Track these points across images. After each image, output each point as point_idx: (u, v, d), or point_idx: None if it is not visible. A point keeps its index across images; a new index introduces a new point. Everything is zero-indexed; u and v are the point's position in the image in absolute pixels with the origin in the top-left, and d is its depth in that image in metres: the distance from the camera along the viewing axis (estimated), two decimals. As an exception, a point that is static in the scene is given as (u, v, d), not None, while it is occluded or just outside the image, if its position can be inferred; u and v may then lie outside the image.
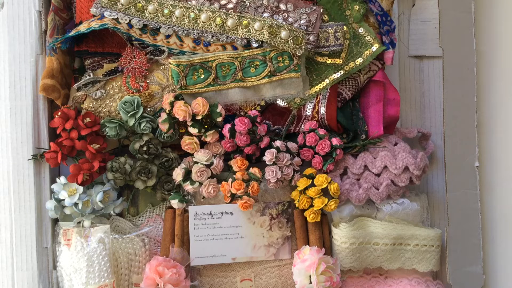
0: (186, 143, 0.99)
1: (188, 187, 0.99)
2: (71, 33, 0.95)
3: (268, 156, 0.98)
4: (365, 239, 1.02)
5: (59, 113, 0.96)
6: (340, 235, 1.01)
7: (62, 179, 0.98)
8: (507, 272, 1.12)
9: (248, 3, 0.99)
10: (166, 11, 0.97)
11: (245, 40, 0.99)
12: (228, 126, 0.98)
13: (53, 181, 1.00)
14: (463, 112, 1.09)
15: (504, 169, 1.14)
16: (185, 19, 0.98)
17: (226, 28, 0.98)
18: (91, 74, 0.99)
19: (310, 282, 0.96)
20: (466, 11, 1.09)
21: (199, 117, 0.96)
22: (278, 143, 1.00)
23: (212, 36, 0.99)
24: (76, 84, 0.99)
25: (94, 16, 0.97)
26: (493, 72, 1.15)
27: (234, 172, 0.99)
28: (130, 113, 0.96)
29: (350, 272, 1.05)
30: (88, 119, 0.96)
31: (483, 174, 1.13)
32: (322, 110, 1.02)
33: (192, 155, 1.00)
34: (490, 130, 1.14)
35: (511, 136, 1.14)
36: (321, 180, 0.99)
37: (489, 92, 1.15)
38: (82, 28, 0.95)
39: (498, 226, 1.14)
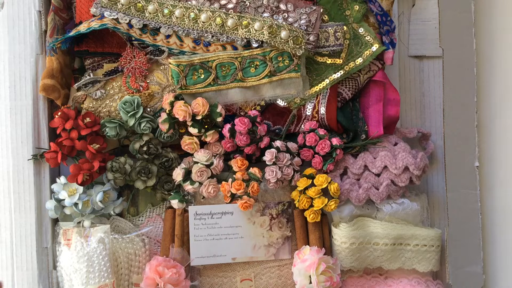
0: (186, 143, 0.99)
1: (188, 187, 0.99)
2: (71, 33, 0.95)
3: (268, 156, 0.98)
4: (365, 239, 1.02)
5: (59, 113, 0.96)
6: (340, 235, 1.01)
7: (62, 179, 0.98)
8: (507, 272, 1.12)
9: (248, 3, 0.99)
10: (166, 11, 0.97)
11: (245, 40, 0.99)
12: (228, 126, 0.98)
13: (53, 181, 1.00)
14: (463, 112, 1.09)
15: (504, 169, 1.14)
16: (185, 19, 0.98)
17: (226, 28, 0.98)
18: (91, 74, 0.99)
19: (310, 282, 0.96)
20: (466, 11, 1.09)
21: (199, 117, 0.96)
22: (278, 143, 1.00)
23: (212, 36, 0.99)
24: (76, 84, 0.99)
25: (94, 16, 0.97)
26: (493, 72, 1.15)
27: (234, 172, 0.99)
28: (130, 113, 0.96)
29: (350, 272, 1.05)
30: (88, 119, 0.96)
31: (483, 174, 1.12)
32: (322, 110, 1.02)
33: (192, 155, 1.00)
34: (490, 130, 1.14)
35: (511, 136, 1.15)
36: (321, 180, 0.99)
37: (489, 92, 1.15)
38: (82, 28, 0.95)
39: (498, 226, 1.14)
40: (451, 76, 1.09)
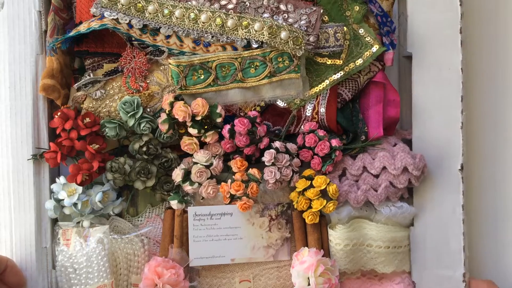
0: (186, 143, 0.99)
1: (187, 187, 0.99)
2: (71, 33, 0.95)
3: (267, 157, 0.98)
4: (359, 241, 1.02)
5: (58, 113, 0.96)
6: (335, 236, 1.01)
7: (61, 179, 0.98)
8: (489, 277, 1.11)
9: (248, 4, 0.99)
10: (166, 11, 0.97)
11: (245, 41, 0.99)
12: (227, 126, 0.98)
13: (52, 181, 1.00)
14: (446, 113, 1.05)
15: (489, 171, 1.14)
16: (185, 20, 0.98)
17: (226, 28, 0.98)
18: (91, 74, 0.99)
19: (309, 284, 0.96)
20: (448, 9, 1.05)
21: (198, 118, 0.96)
22: (277, 144, 1.00)
23: (212, 37, 0.99)
24: (76, 84, 0.99)
25: (94, 16, 0.97)
26: (479, 72, 1.14)
27: (234, 173, 0.99)
28: (130, 114, 0.96)
29: (347, 274, 1.05)
30: (87, 119, 0.96)
31: (468, 177, 1.09)
32: (322, 111, 1.02)
33: (191, 155, 1.00)
34: (475, 132, 1.13)
35: (496, 138, 1.14)
36: (320, 181, 0.99)
37: (476, 92, 1.14)
38: (82, 28, 0.95)
39: (482, 230, 1.14)
40: (424, 77, 1.04)
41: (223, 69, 0.99)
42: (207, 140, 0.99)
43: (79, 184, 0.95)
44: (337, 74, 1.02)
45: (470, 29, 1.14)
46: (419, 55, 1.06)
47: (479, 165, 1.16)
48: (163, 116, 0.97)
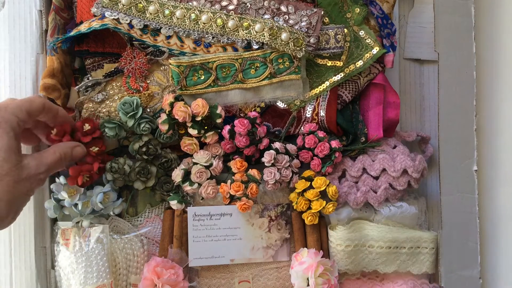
0: (186, 144, 0.99)
1: (187, 188, 0.99)
2: (72, 33, 0.95)
3: (266, 158, 0.99)
4: (360, 241, 1.02)
5: (54, 131, 0.92)
6: (336, 237, 1.01)
7: (61, 179, 0.98)
8: (506, 277, 1.12)
9: (249, 5, 0.99)
10: (167, 12, 0.97)
11: (246, 42, 0.99)
12: (227, 127, 0.98)
13: (52, 180, 1.00)
14: (461, 116, 1.08)
15: (504, 173, 1.14)
16: (186, 20, 0.98)
17: (226, 29, 0.98)
18: (90, 77, 0.98)
19: (308, 285, 0.97)
20: (465, 14, 1.09)
21: (198, 118, 0.96)
22: (277, 144, 1.00)
23: (213, 37, 0.99)
24: (77, 87, 0.98)
25: (95, 16, 0.97)
26: (493, 76, 1.15)
27: (233, 173, 0.99)
28: (130, 114, 0.96)
29: (347, 275, 1.05)
30: (87, 126, 0.94)
31: (483, 178, 1.12)
32: (322, 112, 1.02)
33: (191, 156, 1.00)
34: (490, 134, 1.14)
35: (511, 140, 1.15)
36: (319, 182, 1.00)
37: (489, 96, 1.15)
38: (83, 28, 0.95)
39: (497, 230, 1.14)
40: (449, 79, 1.08)
41: (224, 70, 0.99)
42: (207, 140, 0.99)
43: (81, 186, 0.94)
44: (337, 75, 1.03)
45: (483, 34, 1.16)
46: (446, 57, 1.09)
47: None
48: (163, 116, 0.97)
